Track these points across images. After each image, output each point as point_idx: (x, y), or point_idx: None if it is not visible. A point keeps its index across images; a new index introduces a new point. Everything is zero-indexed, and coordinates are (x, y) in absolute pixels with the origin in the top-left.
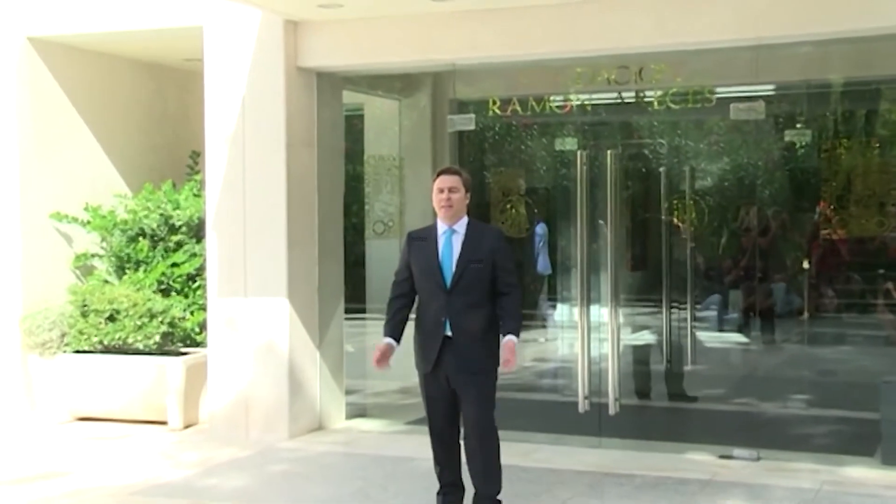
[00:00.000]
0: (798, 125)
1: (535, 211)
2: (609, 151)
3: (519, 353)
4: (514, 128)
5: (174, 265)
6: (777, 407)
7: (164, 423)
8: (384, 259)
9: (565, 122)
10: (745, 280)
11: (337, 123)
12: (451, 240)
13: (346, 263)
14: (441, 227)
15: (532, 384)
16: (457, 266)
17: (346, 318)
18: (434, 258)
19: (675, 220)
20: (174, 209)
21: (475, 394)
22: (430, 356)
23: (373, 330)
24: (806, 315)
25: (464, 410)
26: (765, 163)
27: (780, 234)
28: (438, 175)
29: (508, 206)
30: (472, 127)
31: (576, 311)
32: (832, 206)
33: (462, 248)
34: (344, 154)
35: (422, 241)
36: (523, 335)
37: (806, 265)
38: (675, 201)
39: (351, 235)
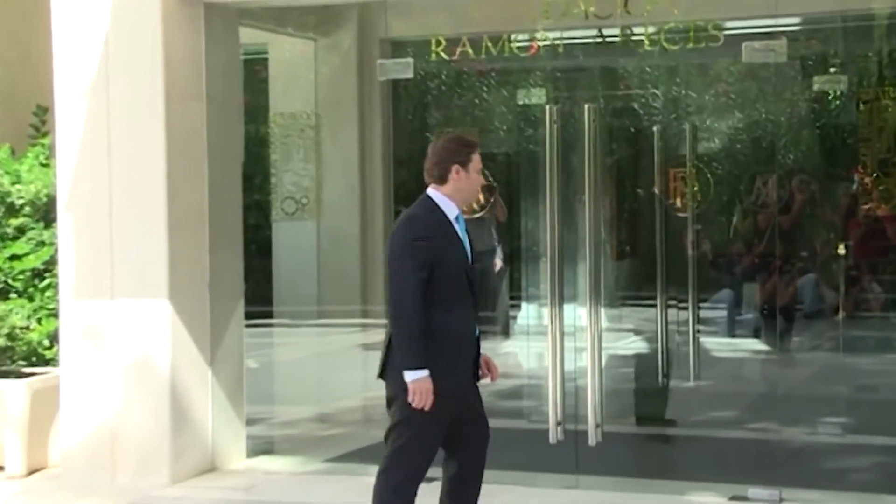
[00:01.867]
0: (831, 69)
1: (493, 184)
2: (587, 106)
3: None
4: (465, 76)
5: (13, 258)
6: (804, 434)
7: (0, 468)
8: (297, 247)
9: (531, 68)
10: (763, 270)
11: (233, 70)
12: (462, 228)
13: (246, 253)
14: (451, 210)
15: (491, 408)
16: (473, 260)
17: (248, 325)
18: (463, 251)
19: (673, 195)
20: (13, 183)
21: (482, 408)
22: (464, 371)
23: (283, 340)
24: (841, 315)
25: (473, 432)
26: (787, 119)
27: (807, 211)
28: (475, 148)
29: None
30: (410, 75)
31: (545, 312)
32: (874, 174)
33: (470, 239)
34: (243, 111)
35: (445, 228)
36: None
37: (841, 250)
38: (672, 170)
39: (253, 217)
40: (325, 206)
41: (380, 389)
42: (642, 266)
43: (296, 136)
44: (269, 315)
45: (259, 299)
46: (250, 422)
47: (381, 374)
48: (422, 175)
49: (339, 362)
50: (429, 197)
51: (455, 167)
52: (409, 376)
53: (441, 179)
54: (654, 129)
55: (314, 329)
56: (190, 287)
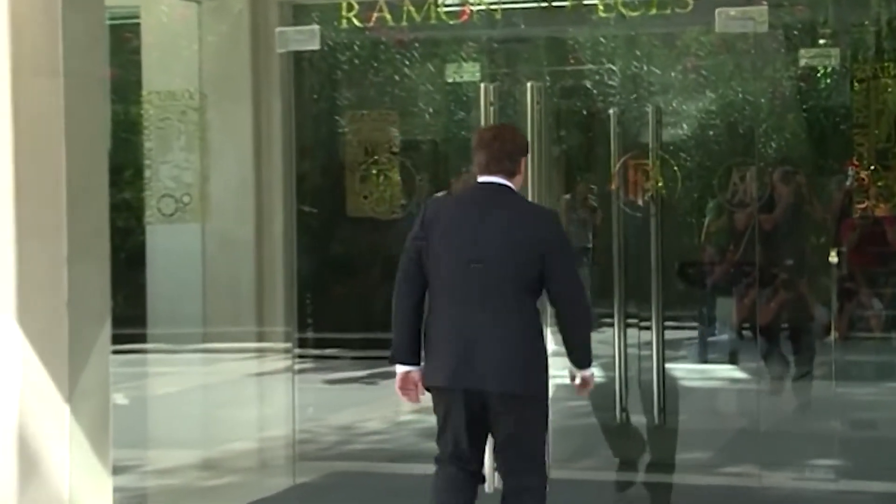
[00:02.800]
0: (820, 42)
1: (418, 178)
2: (530, 84)
3: (383, 400)
4: (383, 47)
5: None
6: (790, 479)
7: None
8: (177, 256)
9: (462, 38)
10: (741, 281)
11: (96, 39)
12: None
13: (113, 264)
14: None
15: (411, 451)
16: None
17: (115, 352)
18: None
19: (633, 191)
20: None
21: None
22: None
23: (159, 369)
24: (833, 335)
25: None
26: (769, 101)
27: (792, 210)
28: None
29: (374, 170)
30: (316, 46)
31: None
32: (872, 167)
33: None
34: (109, 88)
35: None
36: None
37: (833, 257)
38: (632, 161)
39: (122, 219)
40: (211, 205)
41: (279, 428)
42: (596, 277)
43: (175, 119)
44: (143, 339)
45: (130, 320)
46: (117, 470)
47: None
48: (330, 166)
49: (229, 396)
50: (510, 188)
51: (524, 159)
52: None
53: (512, 173)
54: (611, 112)
55: (198, 356)
56: (43, 305)
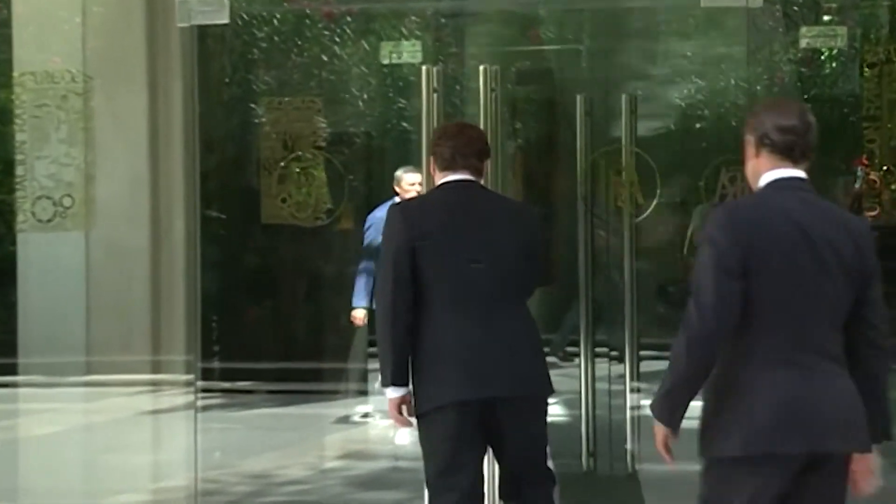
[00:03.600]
0: (824, 18)
1: (348, 177)
2: (483, 68)
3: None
4: (308, 23)
5: None
6: None
7: None
8: (55, 269)
9: (402, 11)
10: None
11: None
12: None
13: None
14: None
15: (330, 501)
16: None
17: None
18: None
19: (605, 194)
20: None
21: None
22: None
23: (32, 406)
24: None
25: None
26: (764, 88)
27: None
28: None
29: (295, 168)
30: (226, 20)
31: None
32: (885, 167)
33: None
34: None
35: None
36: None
37: None
38: (602, 159)
39: None
40: (98, 208)
41: (178, 477)
42: (559, 299)
43: (54, 105)
44: (13, 370)
45: None
46: None
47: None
48: (242, 163)
49: (118, 438)
50: (481, 185)
51: (488, 162)
52: None
53: (479, 171)
54: (578, 99)
55: (81, 390)
56: None
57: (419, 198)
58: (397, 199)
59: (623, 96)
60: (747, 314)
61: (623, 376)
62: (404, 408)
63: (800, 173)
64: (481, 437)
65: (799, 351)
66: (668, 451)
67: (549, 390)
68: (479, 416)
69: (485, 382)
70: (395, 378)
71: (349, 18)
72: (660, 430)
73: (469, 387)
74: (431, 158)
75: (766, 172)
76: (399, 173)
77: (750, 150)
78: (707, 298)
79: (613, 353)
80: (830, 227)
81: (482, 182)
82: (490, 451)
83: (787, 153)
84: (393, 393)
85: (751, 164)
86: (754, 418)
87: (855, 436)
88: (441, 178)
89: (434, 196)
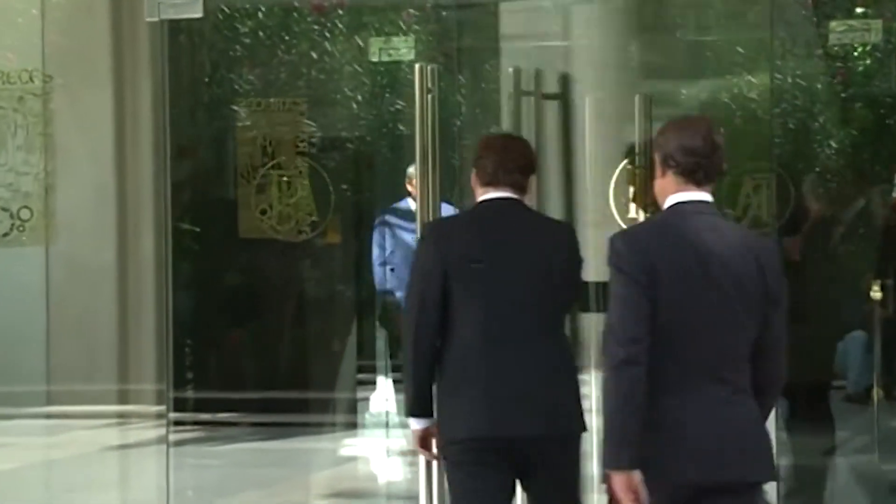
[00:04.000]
0: (857, 10)
1: (335, 187)
2: (419, 66)
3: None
4: (294, 16)
5: None
6: None
7: None
8: (11, 288)
9: (397, 3)
10: None
11: None
12: None
13: None
14: None
15: None
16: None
17: None
18: None
19: (617, 205)
20: None
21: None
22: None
23: None
24: (876, 397)
25: None
26: (792, 88)
27: (823, 233)
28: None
29: (276, 177)
30: (199, 13)
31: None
32: None
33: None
34: None
35: None
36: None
37: (877, 292)
38: (612, 168)
39: None
40: (59, 221)
41: None
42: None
43: (10, 108)
44: None
45: None
46: None
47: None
48: (219, 172)
49: (81, 476)
50: (522, 203)
51: (533, 178)
52: None
53: (523, 189)
54: (586, 101)
55: (40, 422)
56: None
57: (453, 217)
58: (410, 200)
59: (636, 96)
60: (653, 343)
61: None
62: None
63: (704, 196)
64: (508, 473)
65: (700, 380)
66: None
67: (582, 428)
68: (508, 451)
69: (512, 419)
70: (414, 408)
71: (340, 11)
72: (619, 480)
73: (497, 423)
74: (473, 172)
75: (672, 195)
76: (411, 171)
77: (657, 169)
78: (619, 327)
79: None
80: (733, 253)
81: (525, 197)
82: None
83: (691, 175)
84: (416, 424)
85: (658, 184)
86: (657, 448)
87: (757, 465)
88: (482, 195)
89: (469, 215)
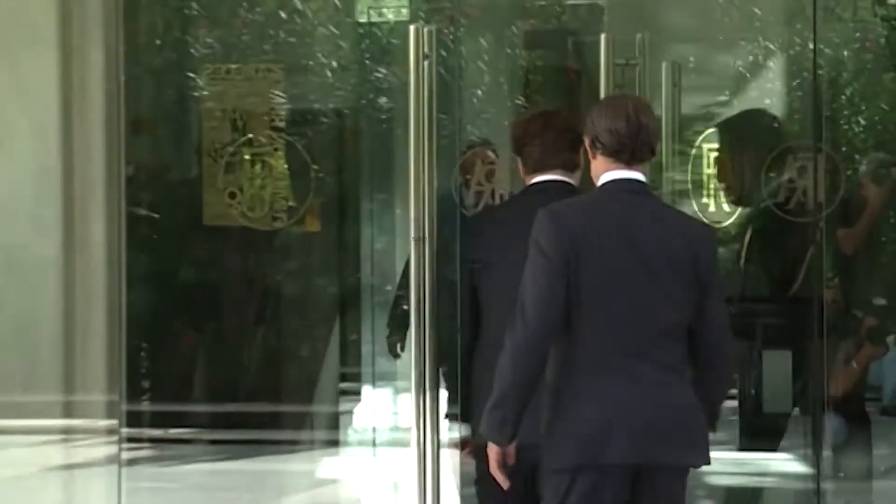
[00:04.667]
0: None
1: (314, 167)
2: (414, 28)
3: None
4: None
5: None
6: None
7: None
8: None
9: None
10: (787, 328)
11: None
12: None
13: None
14: None
15: None
16: None
17: None
18: None
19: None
20: None
21: None
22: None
23: None
24: None
25: None
26: (850, 52)
27: (885, 222)
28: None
29: (247, 155)
30: None
31: (410, 407)
32: None
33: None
34: None
35: None
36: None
37: None
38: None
39: None
40: None
41: None
42: None
43: None
44: None
45: None
46: None
47: None
48: (180, 149)
49: (20, 500)
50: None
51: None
52: None
53: (576, 165)
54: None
55: None
56: None
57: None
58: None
59: (663, 64)
60: (572, 321)
61: None
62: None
63: (634, 174)
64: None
65: (625, 359)
66: (504, 473)
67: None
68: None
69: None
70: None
71: None
72: (492, 449)
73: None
74: (518, 160)
75: (602, 174)
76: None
77: (589, 152)
78: (529, 305)
79: None
80: (663, 233)
81: (578, 175)
82: None
83: (618, 155)
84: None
85: (592, 165)
86: (579, 429)
87: (685, 448)
88: (531, 179)
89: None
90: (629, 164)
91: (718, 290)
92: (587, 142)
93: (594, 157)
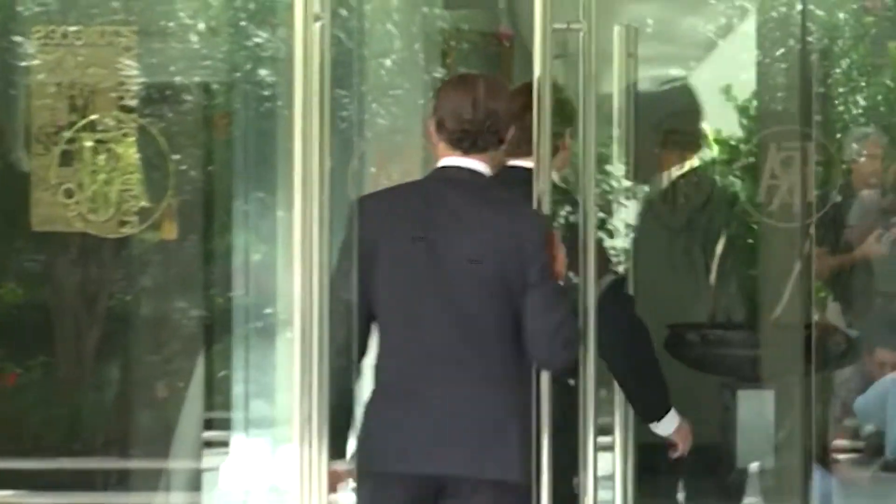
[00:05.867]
0: None
1: (175, 159)
2: None
3: None
4: None
5: None
6: None
7: None
8: None
9: None
10: (787, 360)
11: None
12: None
13: None
14: None
15: None
16: None
17: None
18: None
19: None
20: None
21: None
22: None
23: None
24: None
25: None
26: (850, 15)
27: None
28: None
29: (87, 142)
30: None
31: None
32: None
33: None
34: None
35: None
36: None
37: None
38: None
39: None
40: None
41: None
42: None
43: None
44: None
45: None
46: None
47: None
48: (7, 135)
49: None
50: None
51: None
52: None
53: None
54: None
55: None
56: None
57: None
58: None
59: (616, 28)
60: (377, 322)
61: (611, 476)
62: None
63: (471, 163)
64: None
65: (424, 366)
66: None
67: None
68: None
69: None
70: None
71: None
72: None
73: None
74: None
75: (440, 159)
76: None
77: (433, 133)
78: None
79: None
80: (482, 228)
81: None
82: None
83: (458, 143)
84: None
85: (434, 148)
86: (373, 436)
87: (487, 461)
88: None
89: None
90: (466, 153)
91: (543, 286)
92: (432, 124)
93: (438, 142)
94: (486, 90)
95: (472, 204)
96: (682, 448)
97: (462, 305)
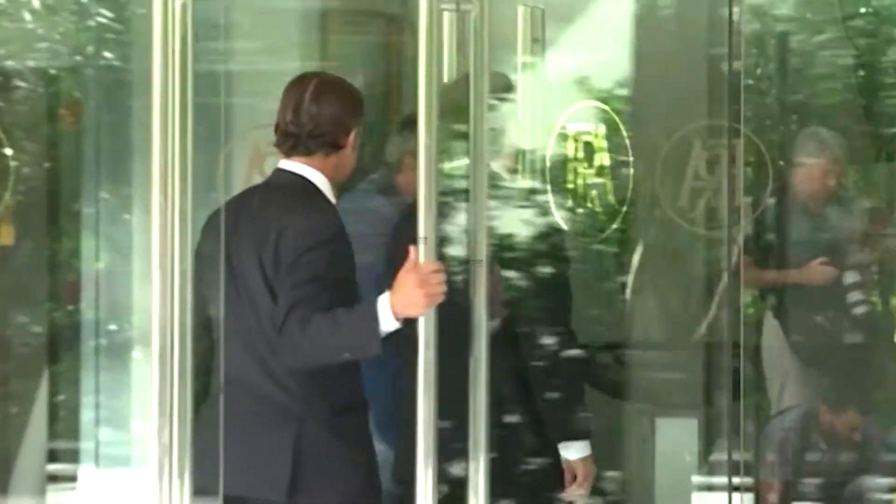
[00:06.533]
0: None
1: (9, 155)
2: None
3: None
4: None
5: None
6: None
7: None
8: None
9: None
10: (712, 390)
11: None
12: None
13: None
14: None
15: None
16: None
17: None
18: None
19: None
20: None
21: None
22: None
23: None
24: None
25: None
26: None
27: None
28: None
29: None
30: None
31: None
32: None
33: None
34: None
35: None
36: None
37: None
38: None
39: None
40: None
41: None
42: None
43: None
44: None
45: None
46: None
47: None
48: None
49: None
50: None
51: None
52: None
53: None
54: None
55: None
56: None
57: None
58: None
59: (519, 10)
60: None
61: None
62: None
63: (293, 166)
64: None
65: (240, 385)
66: None
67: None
68: None
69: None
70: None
71: None
72: None
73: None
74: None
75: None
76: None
77: None
78: None
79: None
80: (263, 232)
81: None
82: None
83: (279, 145)
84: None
85: None
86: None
87: (262, 482)
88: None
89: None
90: (289, 156)
91: (290, 291)
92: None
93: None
94: (316, 91)
95: (284, 207)
96: (581, 482)
97: (265, 319)
